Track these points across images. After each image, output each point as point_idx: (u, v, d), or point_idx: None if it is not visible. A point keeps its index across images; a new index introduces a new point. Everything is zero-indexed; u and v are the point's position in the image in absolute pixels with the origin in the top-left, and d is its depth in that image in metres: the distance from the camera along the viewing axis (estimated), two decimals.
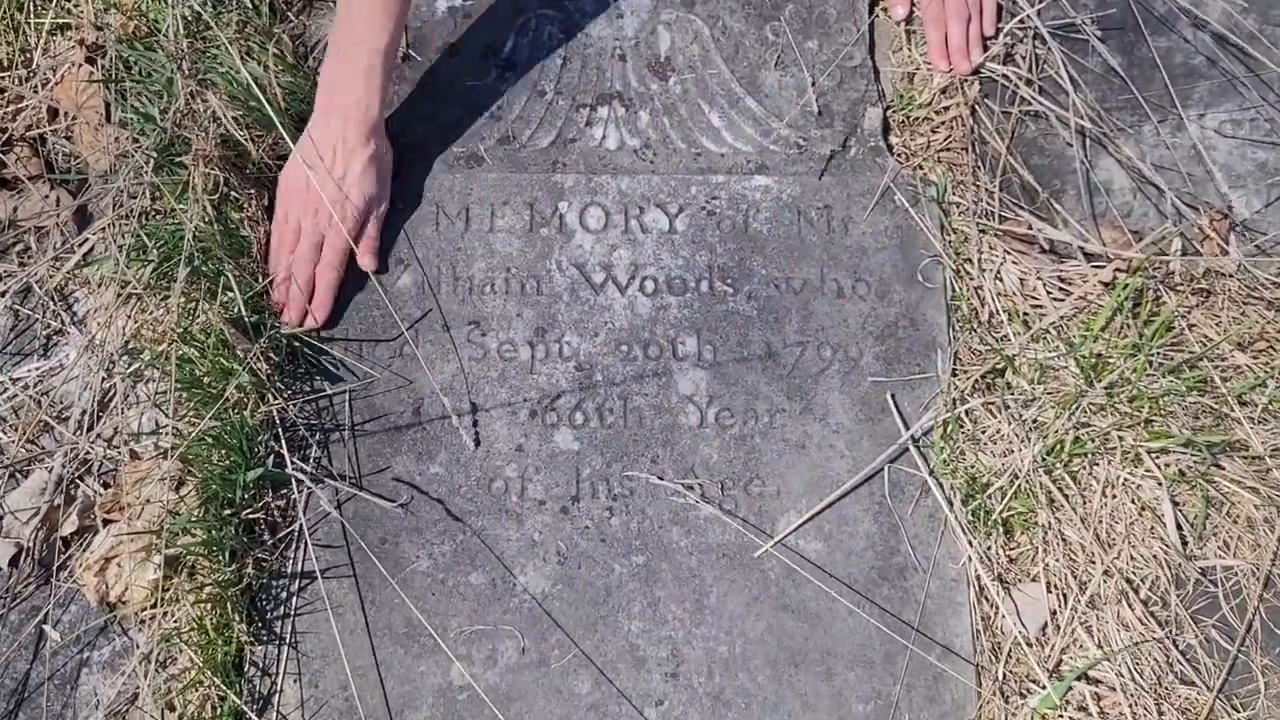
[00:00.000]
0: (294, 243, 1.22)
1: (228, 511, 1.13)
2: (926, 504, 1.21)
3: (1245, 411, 1.23)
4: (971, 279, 1.29)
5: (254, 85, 1.20)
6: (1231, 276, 1.32)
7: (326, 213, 1.20)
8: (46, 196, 1.30)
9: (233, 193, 1.23)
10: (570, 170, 1.31)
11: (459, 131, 1.31)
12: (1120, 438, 1.19)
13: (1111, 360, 1.22)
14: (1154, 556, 1.18)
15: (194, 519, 1.11)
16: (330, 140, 1.19)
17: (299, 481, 1.15)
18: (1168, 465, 1.20)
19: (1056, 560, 1.18)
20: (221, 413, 1.12)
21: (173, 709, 1.11)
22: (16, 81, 1.34)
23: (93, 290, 1.27)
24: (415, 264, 1.26)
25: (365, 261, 1.23)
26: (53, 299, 1.26)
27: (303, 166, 1.20)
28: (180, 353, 1.15)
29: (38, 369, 1.24)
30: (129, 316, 1.24)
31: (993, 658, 1.16)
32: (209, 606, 1.11)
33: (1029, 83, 1.37)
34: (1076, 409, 1.18)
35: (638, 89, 1.35)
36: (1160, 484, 1.18)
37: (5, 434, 1.21)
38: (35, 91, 1.34)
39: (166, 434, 1.15)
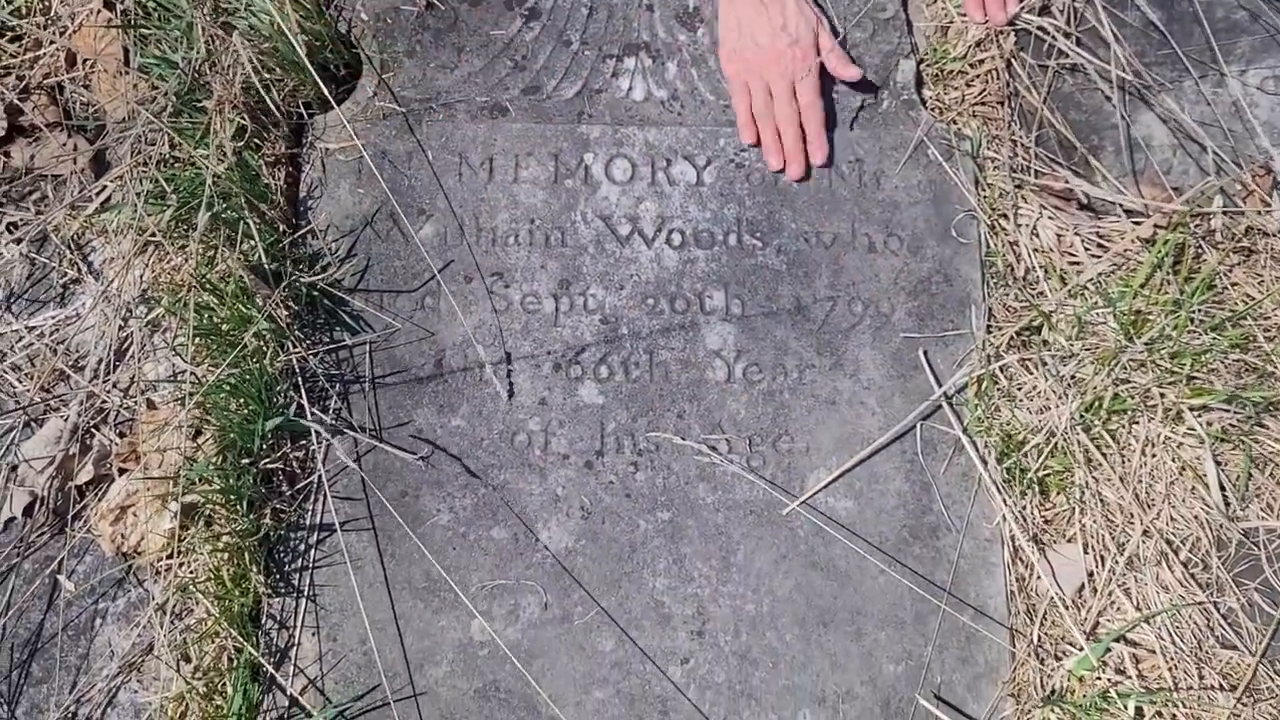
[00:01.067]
0: (768, 107, 1.25)
1: (246, 461, 1.11)
2: (960, 462, 1.18)
3: None
4: (1007, 235, 1.26)
5: (285, 27, 1.18)
6: (1275, 235, 1.28)
7: (788, 61, 1.23)
8: (64, 144, 1.28)
9: (254, 139, 1.20)
10: (596, 121, 1.28)
11: (483, 81, 1.29)
12: (1161, 394, 1.15)
13: (1151, 316, 1.19)
14: (1195, 517, 1.15)
15: (211, 467, 1.09)
16: (750, 4, 1.23)
17: (318, 432, 1.13)
18: (1210, 423, 1.16)
19: (1094, 521, 1.14)
20: (240, 360, 1.10)
21: (188, 660, 1.09)
22: (35, 29, 1.32)
23: (110, 238, 1.25)
24: (438, 215, 1.24)
25: (850, 73, 1.26)
26: (69, 247, 1.24)
27: (742, 38, 1.24)
28: (199, 300, 1.12)
29: (54, 317, 1.21)
30: (146, 264, 1.21)
31: (1028, 620, 1.13)
32: (226, 557, 1.09)
33: (1066, 35, 1.34)
34: (1116, 365, 1.15)
35: (665, 39, 1.32)
36: (1202, 442, 1.15)
37: (21, 382, 1.19)
38: (53, 40, 1.32)
39: (184, 381, 1.13)
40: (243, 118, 1.19)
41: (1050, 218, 1.26)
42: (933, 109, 1.32)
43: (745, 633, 1.13)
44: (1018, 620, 1.13)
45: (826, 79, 1.27)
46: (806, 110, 1.24)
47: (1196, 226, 1.25)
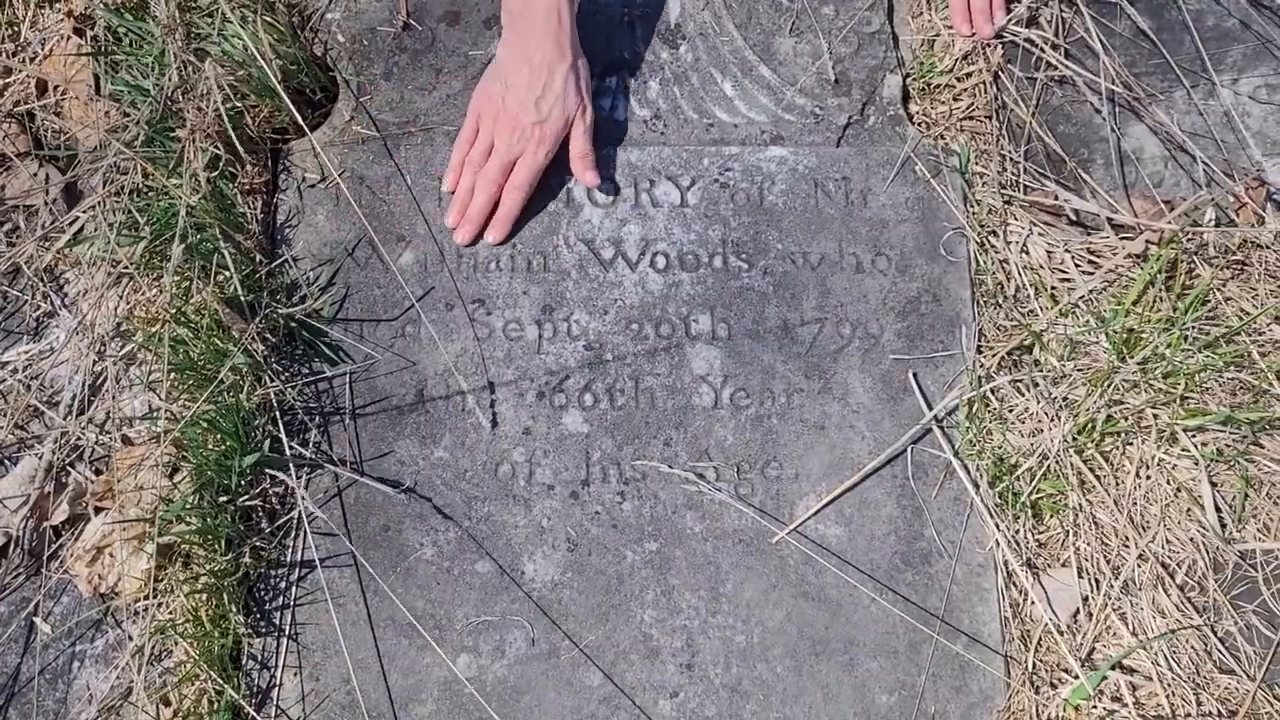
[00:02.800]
0: (482, 160, 1.19)
1: (224, 498, 1.08)
2: (951, 486, 1.16)
3: None
4: (996, 252, 1.24)
5: (257, 52, 1.15)
6: (1269, 248, 1.26)
7: (523, 133, 1.16)
8: (35, 174, 1.25)
9: (229, 167, 1.18)
10: None
11: (462, 103, 1.26)
12: (1155, 415, 1.13)
13: (1144, 335, 1.17)
14: (1191, 540, 1.13)
15: (188, 506, 1.07)
16: (524, 56, 1.15)
17: (298, 467, 1.11)
18: (1205, 444, 1.14)
19: (1088, 544, 1.13)
20: (216, 396, 1.08)
21: (168, 704, 1.07)
22: (3, 55, 1.29)
23: (83, 270, 1.22)
24: (417, 241, 1.21)
25: (589, 179, 1.21)
26: (42, 280, 1.22)
27: (498, 84, 1.17)
28: (174, 334, 1.10)
29: (27, 352, 1.19)
30: (121, 297, 1.19)
31: (1022, 646, 1.12)
32: (204, 597, 1.07)
33: (1055, 47, 1.32)
34: (1109, 386, 1.13)
35: (647, 57, 1.30)
36: (1197, 463, 1.13)
37: None
38: (23, 66, 1.29)
39: (160, 418, 1.11)
40: (216, 146, 1.17)
41: (1040, 234, 1.25)
42: (919, 124, 1.30)
43: (735, 665, 1.11)
44: (1012, 647, 1.12)
45: (564, 169, 1.23)
46: (510, 190, 1.19)
47: (1189, 241, 1.23)
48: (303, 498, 1.10)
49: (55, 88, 1.29)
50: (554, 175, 1.23)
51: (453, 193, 1.21)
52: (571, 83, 1.16)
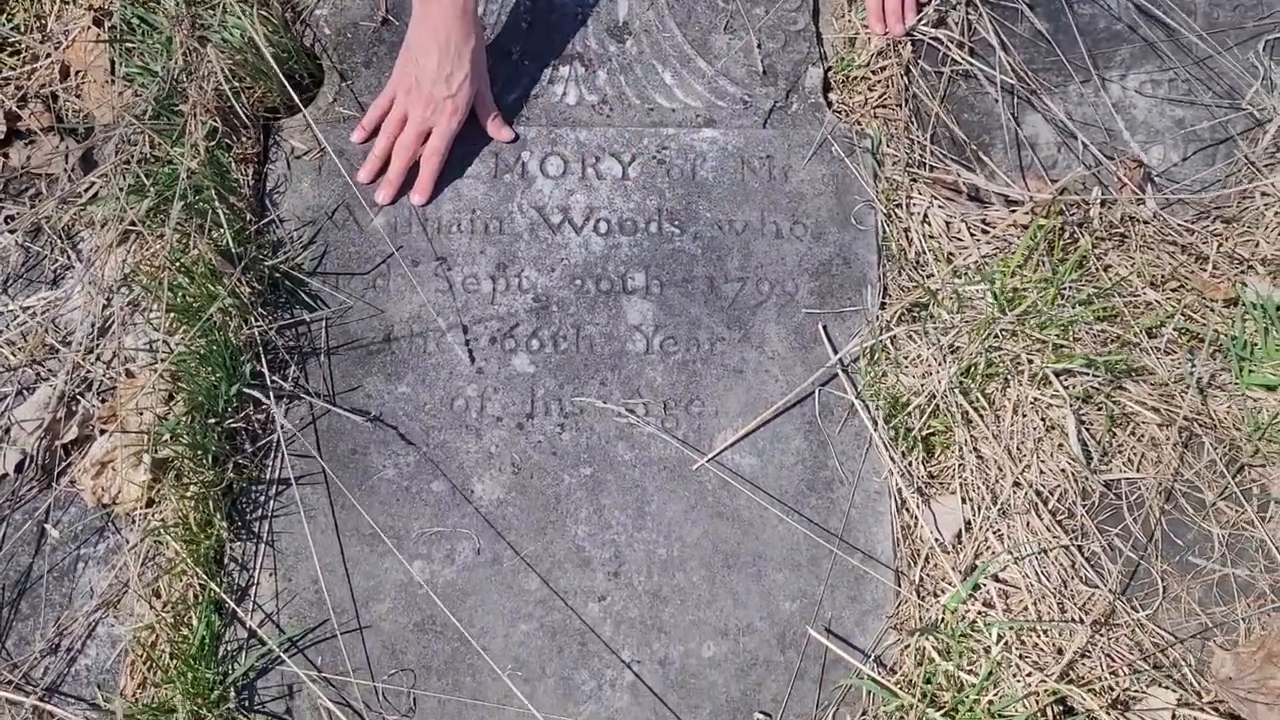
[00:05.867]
0: (397, 129, 1.36)
1: (212, 420, 1.24)
2: (853, 423, 1.31)
3: (1153, 343, 1.33)
4: (901, 222, 1.39)
5: (256, 37, 1.33)
6: (1148, 223, 1.42)
7: (437, 106, 1.33)
8: (57, 146, 1.43)
9: (225, 139, 1.35)
10: (533, 123, 1.43)
11: None
12: (1030, 360, 1.28)
13: (1027, 294, 1.32)
14: (1061, 470, 1.28)
15: (181, 426, 1.23)
16: (435, 38, 1.29)
17: (278, 397, 1.27)
18: (1073, 387, 1.29)
19: (971, 474, 1.28)
20: (207, 331, 1.24)
21: (158, 596, 1.22)
22: (32, 44, 1.47)
23: (96, 230, 1.39)
24: (388, 206, 1.38)
25: (504, 134, 1.39)
26: (60, 237, 1.39)
27: (412, 65, 1.33)
28: (173, 280, 1.27)
29: (45, 298, 1.36)
30: (128, 252, 1.36)
31: (911, 563, 1.26)
32: (193, 505, 1.23)
33: (960, 45, 1.48)
34: (989, 334, 1.28)
35: (597, 50, 1.47)
36: (1066, 403, 1.28)
37: (14, 355, 1.33)
38: (49, 54, 1.47)
39: (159, 348, 1.27)
40: (215, 120, 1.34)
41: (940, 207, 1.40)
42: (837, 111, 1.47)
43: (657, 574, 1.26)
44: (902, 563, 1.26)
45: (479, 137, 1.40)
46: (428, 156, 1.36)
47: (1073, 214, 1.39)
48: (281, 424, 1.26)
49: (76, 72, 1.47)
50: (509, 150, 1.40)
51: (362, 144, 1.39)
52: (478, 58, 1.34)
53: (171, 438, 1.23)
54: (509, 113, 1.43)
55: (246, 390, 1.25)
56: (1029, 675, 1.17)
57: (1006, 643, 1.18)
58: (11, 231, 1.39)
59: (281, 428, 1.26)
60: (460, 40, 1.30)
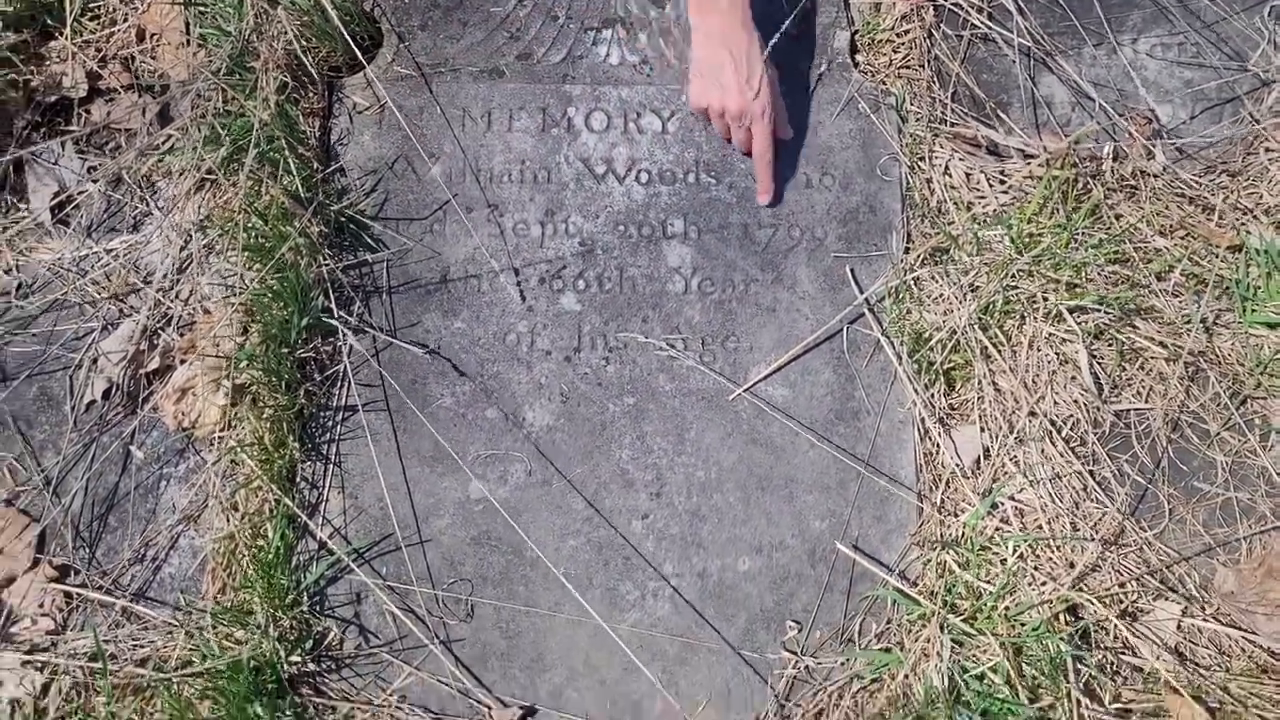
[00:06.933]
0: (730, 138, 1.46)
1: (285, 350, 1.35)
2: (879, 358, 1.40)
3: (1161, 285, 1.42)
4: (923, 173, 1.49)
5: (321, 1, 1.43)
6: (1158, 177, 1.51)
7: (748, 114, 1.39)
8: (135, 102, 1.53)
9: (294, 94, 1.45)
10: (578, 81, 1.53)
11: (483, 49, 1.53)
12: (1045, 298, 1.37)
13: (1042, 239, 1.41)
14: (1074, 401, 1.37)
15: (256, 354, 1.33)
16: (725, 51, 1.35)
17: (344, 330, 1.37)
18: (1085, 323, 1.38)
19: (989, 405, 1.37)
20: (280, 268, 1.34)
21: (236, 510, 1.32)
22: (111, 8, 1.58)
23: (173, 179, 1.50)
24: (444, 158, 1.48)
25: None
26: (139, 185, 1.50)
27: (715, 88, 1.39)
28: (247, 222, 1.37)
29: (126, 241, 1.47)
30: (203, 199, 1.46)
31: (932, 486, 1.35)
32: (268, 427, 1.33)
33: (979, 10, 1.57)
34: (1006, 274, 1.37)
35: (638, 14, 1.56)
36: (1078, 338, 1.37)
37: (100, 293, 1.44)
38: (127, 18, 1.58)
39: (235, 282, 1.37)
40: (284, 76, 1.45)
41: (961, 160, 1.49)
42: (864, 72, 1.56)
43: (696, 494, 1.35)
44: (924, 487, 1.35)
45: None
46: (759, 160, 1.42)
47: (1087, 167, 1.48)
48: (348, 353, 1.37)
49: (152, 34, 1.58)
50: (556, 106, 1.50)
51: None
52: (763, 52, 1.39)
53: (249, 364, 1.33)
54: (556, 72, 1.52)
55: (323, 319, 1.35)
56: (1043, 584, 1.26)
57: (1022, 554, 1.27)
58: (94, 181, 1.50)
59: (348, 358, 1.36)
60: (746, 43, 1.36)
